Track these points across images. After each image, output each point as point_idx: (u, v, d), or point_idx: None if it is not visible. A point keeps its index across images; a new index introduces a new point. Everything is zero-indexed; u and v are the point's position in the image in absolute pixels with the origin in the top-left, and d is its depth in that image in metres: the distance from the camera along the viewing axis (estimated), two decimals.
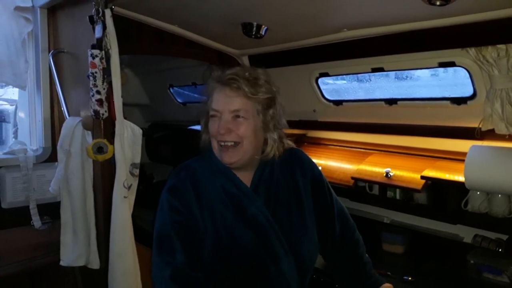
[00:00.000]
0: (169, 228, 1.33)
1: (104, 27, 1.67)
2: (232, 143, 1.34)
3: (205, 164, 1.42)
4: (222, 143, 1.34)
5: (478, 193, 2.06)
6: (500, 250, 2.06)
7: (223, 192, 1.38)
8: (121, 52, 1.72)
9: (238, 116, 1.33)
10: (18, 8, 2.23)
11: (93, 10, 1.67)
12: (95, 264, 1.87)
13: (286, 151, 1.50)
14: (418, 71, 2.33)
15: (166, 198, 1.38)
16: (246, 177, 1.42)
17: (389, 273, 2.08)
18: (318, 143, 2.91)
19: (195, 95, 3.80)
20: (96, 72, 1.68)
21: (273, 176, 1.45)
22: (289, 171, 1.50)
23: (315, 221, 1.50)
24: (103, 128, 1.77)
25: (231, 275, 1.35)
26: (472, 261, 2.06)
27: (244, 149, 1.35)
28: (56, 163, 2.02)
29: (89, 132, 1.85)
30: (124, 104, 1.76)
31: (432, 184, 2.21)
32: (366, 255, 1.60)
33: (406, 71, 2.36)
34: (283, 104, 1.45)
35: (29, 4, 2.25)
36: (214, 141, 1.37)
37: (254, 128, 1.35)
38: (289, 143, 1.49)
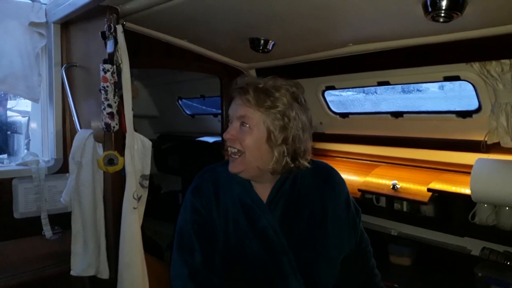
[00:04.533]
0: (189, 228, 1.38)
1: (116, 42, 1.72)
2: (236, 151, 1.34)
3: (228, 170, 1.42)
4: (229, 149, 1.36)
5: (485, 205, 2.06)
6: (508, 263, 2.05)
7: (238, 200, 1.39)
8: (131, 66, 1.76)
9: (243, 124, 1.33)
10: (32, 24, 2.29)
11: (105, 26, 1.72)
12: (104, 274, 1.89)
13: (319, 168, 1.47)
14: None
15: (189, 198, 1.42)
16: (264, 189, 1.41)
17: (396, 285, 2.08)
18: (325, 155, 2.93)
19: (203, 107, 3.85)
20: (107, 86, 1.71)
21: (294, 190, 1.41)
22: (318, 190, 1.44)
23: (342, 246, 1.46)
24: (114, 140, 1.80)
25: (238, 282, 1.36)
26: (480, 274, 2.05)
27: (247, 160, 1.33)
28: (68, 174, 2.06)
29: (100, 144, 1.88)
30: (133, 116, 1.79)
31: (439, 196, 2.22)
32: (376, 269, 1.60)
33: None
34: (307, 119, 1.37)
35: (43, 20, 2.30)
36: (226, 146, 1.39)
37: (258, 140, 1.32)
38: (306, 160, 1.38)
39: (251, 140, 1.32)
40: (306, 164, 1.37)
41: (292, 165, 1.35)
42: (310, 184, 1.44)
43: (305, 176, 1.43)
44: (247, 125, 1.32)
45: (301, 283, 1.35)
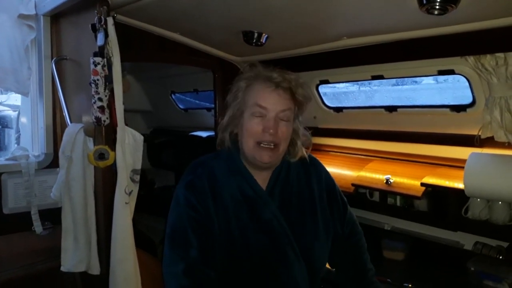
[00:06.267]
0: (185, 224, 1.35)
1: (106, 35, 1.69)
2: (272, 145, 1.34)
3: (222, 163, 1.42)
4: (265, 144, 1.34)
5: (479, 200, 2.06)
6: (500, 257, 2.06)
7: (239, 192, 1.38)
8: (123, 60, 1.73)
9: (284, 117, 1.35)
10: (21, 16, 2.25)
11: (96, 18, 1.69)
12: (95, 269, 1.87)
13: (304, 157, 1.51)
14: None
15: (183, 193, 1.38)
16: (263, 178, 1.42)
17: (389, 280, 2.08)
18: (318, 149, 2.92)
19: (197, 102, 3.83)
20: (98, 80, 1.69)
21: (289, 178, 1.46)
22: (304, 176, 1.51)
23: (329, 228, 1.51)
24: (104, 134, 1.78)
25: (242, 276, 1.36)
26: (472, 268, 2.06)
27: (281, 151, 1.38)
28: (58, 169, 2.03)
29: (91, 139, 1.86)
30: (126, 110, 1.77)
31: (432, 191, 2.22)
32: (370, 264, 1.61)
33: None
34: None
35: (33, 12, 2.26)
36: (251, 140, 1.35)
37: (291, 132, 1.40)
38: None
39: (289, 133, 1.39)
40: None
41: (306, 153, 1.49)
42: (299, 173, 1.50)
43: (294, 165, 1.49)
44: (286, 119, 1.37)
45: (303, 268, 1.38)
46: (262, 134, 1.33)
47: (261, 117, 1.34)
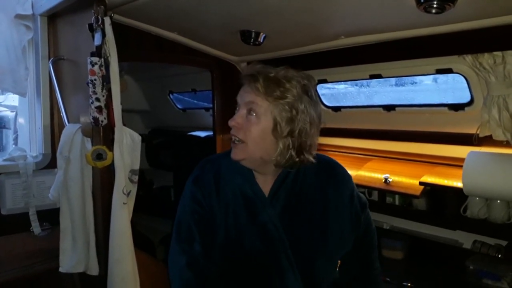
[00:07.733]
0: (189, 218, 1.38)
1: (104, 35, 1.68)
2: (238, 140, 1.32)
3: (230, 161, 1.39)
4: (232, 138, 1.33)
5: (477, 199, 2.06)
6: (499, 256, 2.06)
7: (239, 192, 1.38)
8: (120, 60, 1.73)
9: (250, 112, 1.30)
10: (18, 16, 2.24)
11: (93, 18, 1.68)
12: (94, 270, 1.86)
13: (323, 163, 1.45)
14: None
15: (190, 188, 1.42)
16: (267, 181, 1.39)
17: (388, 279, 2.09)
18: (317, 148, 2.92)
19: (195, 101, 3.82)
20: (95, 80, 1.68)
21: (296, 185, 1.39)
22: (320, 184, 1.42)
23: (343, 240, 1.45)
24: (102, 135, 1.77)
25: (236, 276, 1.37)
26: (471, 267, 2.06)
27: (250, 150, 1.31)
28: (56, 169, 2.03)
29: (89, 139, 1.85)
30: (124, 110, 1.76)
31: (431, 190, 2.21)
32: (378, 263, 1.59)
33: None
34: (316, 114, 1.34)
35: (30, 12, 2.26)
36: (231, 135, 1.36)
37: (263, 130, 1.29)
38: (311, 155, 1.35)
39: (256, 130, 1.29)
40: (311, 159, 1.35)
41: (297, 159, 1.32)
42: (312, 180, 1.42)
43: (309, 171, 1.41)
44: (254, 114, 1.30)
45: (298, 278, 1.34)
46: (231, 126, 1.34)
47: (237, 112, 1.36)
